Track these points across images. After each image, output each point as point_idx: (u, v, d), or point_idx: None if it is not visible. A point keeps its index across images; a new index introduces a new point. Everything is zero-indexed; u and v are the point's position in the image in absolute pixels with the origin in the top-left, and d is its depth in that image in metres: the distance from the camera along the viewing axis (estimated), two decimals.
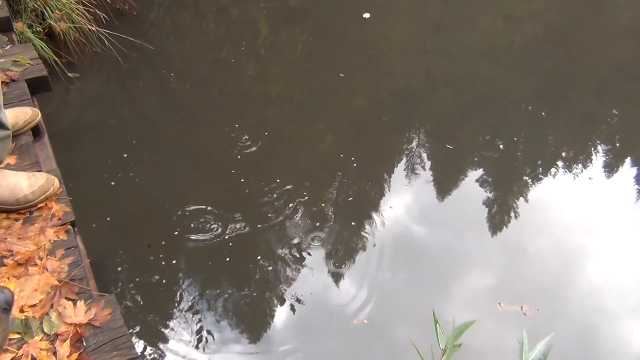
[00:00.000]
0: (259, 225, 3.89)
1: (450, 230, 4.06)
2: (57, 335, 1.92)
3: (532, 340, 1.65)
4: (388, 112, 5.13)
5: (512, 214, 4.24)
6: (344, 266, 3.68)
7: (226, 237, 3.72)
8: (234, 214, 3.95)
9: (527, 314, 3.34)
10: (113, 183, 4.12)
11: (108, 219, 3.82)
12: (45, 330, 1.93)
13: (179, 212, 3.90)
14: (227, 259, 3.62)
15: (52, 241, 2.25)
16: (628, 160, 4.86)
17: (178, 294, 3.43)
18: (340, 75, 5.46)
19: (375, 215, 4.07)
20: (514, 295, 3.49)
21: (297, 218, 3.97)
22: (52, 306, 2.01)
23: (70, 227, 2.35)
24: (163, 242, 3.69)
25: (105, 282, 3.36)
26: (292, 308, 3.40)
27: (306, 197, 4.12)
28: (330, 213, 4.04)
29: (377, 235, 3.91)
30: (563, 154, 4.85)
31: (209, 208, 3.96)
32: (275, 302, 3.43)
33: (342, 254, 3.77)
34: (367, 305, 3.42)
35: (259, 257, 3.65)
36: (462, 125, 5.13)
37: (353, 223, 4.00)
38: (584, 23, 6.89)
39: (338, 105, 5.23)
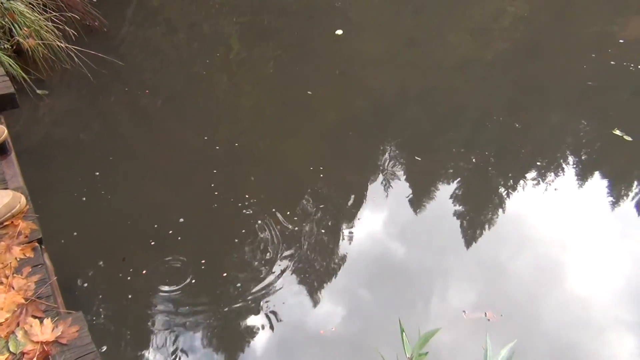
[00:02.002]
0: (231, 240, 3.89)
1: (417, 241, 4.10)
2: (23, 354, 1.90)
3: (498, 346, 1.68)
4: (361, 126, 5.18)
5: (479, 225, 4.31)
6: (312, 278, 3.69)
7: (201, 259, 3.71)
8: (205, 229, 3.95)
9: (491, 320, 3.39)
10: (84, 199, 4.09)
11: (75, 234, 3.78)
12: (12, 349, 1.91)
13: (150, 226, 3.88)
14: (198, 276, 3.61)
15: (18, 259, 2.23)
16: (597, 173, 4.97)
17: (149, 310, 3.40)
18: (308, 92, 5.49)
19: (343, 227, 4.10)
20: (478, 302, 3.55)
21: (267, 231, 3.97)
22: (18, 324, 1.99)
23: (37, 244, 2.33)
24: (134, 257, 3.67)
25: (75, 299, 3.32)
26: (263, 321, 3.40)
27: (275, 210, 4.13)
28: (300, 225, 4.05)
29: (345, 247, 3.93)
30: (533, 166, 4.95)
31: (181, 220, 3.96)
32: (246, 315, 3.42)
33: (310, 266, 3.78)
34: (335, 315, 3.44)
35: (224, 274, 3.64)
36: (435, 137, 5.20)
37: (323, 231, 4.03)
38: (551, 38, 7.05)
39: (310, 120, 5.28)
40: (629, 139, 5.14)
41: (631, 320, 3.62)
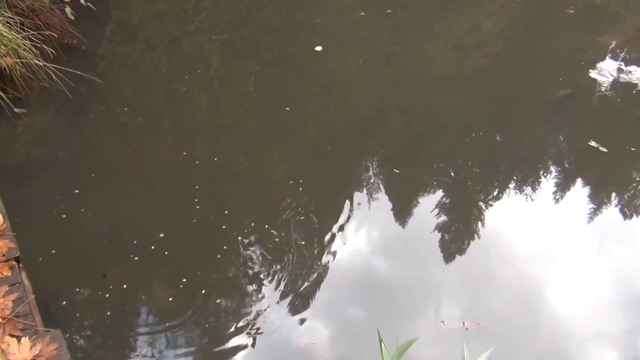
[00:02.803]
0: (211, 256, 3.89)
1: (396, 254, 4.13)
2: None
3: (476, 354, 1.71)
4: (342, 141, 5.20)
5: (458, 237, 4.35)
6: (292, 291, 3.69)
7: (181, 278, 3.69)
8: (186, 245, 3.95)
9: (470, 329, 3.43)
10: (63, 216, 4.07)
11: (53, 251, 3.76)
12: None
13: (130, 242, 3.87)
14: (178, 292, 3.59)
15: None
16: (574, 184, 5.04)
17: (128, 328, 3.38)
18: (287, 109, 5.49)
19: (323, 241, 4.10)
20: (457, 312, 3.59)
21: (247, 246, 3.98)
22: None
23: (14, 263, 2.32)
24: (114, 274, 3.65)
25: (53, 317, 3.28)
26: (243, 336, 3.39)
27: (256, 226, 4.14)
28: (280, 240, 4.06)
29: (325, 260, 3.95)
30: (512, 178, 5.01)
31: (162, 235, 3.96)
32: (226, 330, 3.41)
33: (290, 280, 3.79)
34: (315, 328, 3.45)
35: (203, 291, 3.63)
36: (415, 151, 5.24)
37: (302, 244, 4.05)
38: (527, 51, 7.16)
39: (291, 135, 5.28)
40: (605, 150, 5.23)
41: (609, 330, 3.67)
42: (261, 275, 3.79)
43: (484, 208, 4.64)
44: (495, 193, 4.82)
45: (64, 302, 3.43)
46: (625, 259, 4.23)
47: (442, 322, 3.46)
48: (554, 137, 5.62)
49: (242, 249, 3.96)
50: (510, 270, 4.02)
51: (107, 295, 3.51)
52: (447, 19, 7.90)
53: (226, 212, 4.22)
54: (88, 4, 6.00)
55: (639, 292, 3.94)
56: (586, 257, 4.23)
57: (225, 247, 3.96)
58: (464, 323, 3.44)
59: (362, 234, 4.24)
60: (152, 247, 3.86)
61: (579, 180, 5.09)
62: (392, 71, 6.59)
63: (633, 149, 5.34)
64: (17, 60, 4.92)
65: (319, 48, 6.62)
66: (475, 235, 4.37)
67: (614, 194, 5.00)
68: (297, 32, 7.17)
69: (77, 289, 3.53)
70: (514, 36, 7.66)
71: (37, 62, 5.03)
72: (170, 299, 3.55)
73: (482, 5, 8.33)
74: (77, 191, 4.30)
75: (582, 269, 4.11)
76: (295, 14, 7.69)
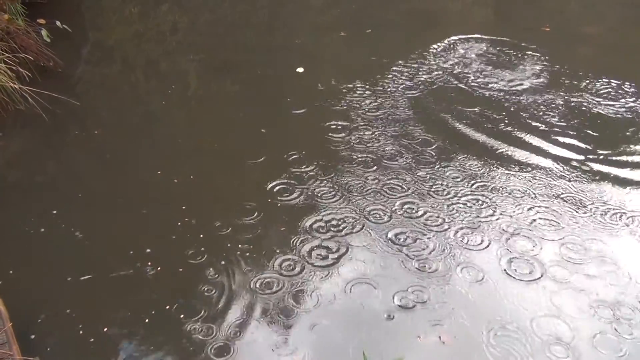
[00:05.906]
0: (193, 279, 3.84)
1: (369, 268, 4.06)
2: None
3: None
4: (322, 162, 5.16)
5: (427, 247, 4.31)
6: (271, 312, 3.64)
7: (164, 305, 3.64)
8: (167, 269, 3.89)
9: (446, 343, 3.42)
10: (40, 240, 4.01)
11: (30, 276, 3.69)
12: None
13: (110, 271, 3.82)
14: (156, 319, 3.53)
15: None
16: None
17: (111, 354, 3.30)
18: (262, 130, 5.47)
19: (301, 261, 4.05)
20: (431, 325, 3.55)
21: (228, 269, 3.93)
22: None
23: None
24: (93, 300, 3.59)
25: (32, 345, 3.15)
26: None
27: (232, 247, 4.10)
28: (258, 262, 4.02)
29: (306, 279, 3.89)
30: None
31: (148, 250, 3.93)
32: (205, 355, 3.35)
33: (270, 300, 3.73)
34: (298, 349, 3.39)
35: (181, 316, 3.57)
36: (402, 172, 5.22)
37: (282, 262, 4.00)
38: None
39: (272, 158, 5.22)
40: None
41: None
42: (241, 296, 3.73)
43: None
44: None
45: (42, 330, 3.32)
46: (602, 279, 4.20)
47: (419, 337, 3.44)
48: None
49: (222, 271, 3.90)
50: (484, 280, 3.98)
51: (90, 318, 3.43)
52: (427, 37, 7.97)
53: (201, 235, 4.18)
54: (64, 26, 5.99)
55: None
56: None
57: (212, 270, 3.91)
58: (440, 337, 3.44)
59: (341, 251, 4.19)
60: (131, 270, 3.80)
61: None
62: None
63: None
64: None
65: (300, 69, 6.59)
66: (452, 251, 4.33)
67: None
68: (277, 53, 7.16)
69: (56, 315, 3.45)
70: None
71: (12, 84, 4.98)
72: (147, 319, 3.48)
73: (460, 24, 8.45)
74: (54, 212, 4.26)
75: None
76: (275, 35, 7.73)
